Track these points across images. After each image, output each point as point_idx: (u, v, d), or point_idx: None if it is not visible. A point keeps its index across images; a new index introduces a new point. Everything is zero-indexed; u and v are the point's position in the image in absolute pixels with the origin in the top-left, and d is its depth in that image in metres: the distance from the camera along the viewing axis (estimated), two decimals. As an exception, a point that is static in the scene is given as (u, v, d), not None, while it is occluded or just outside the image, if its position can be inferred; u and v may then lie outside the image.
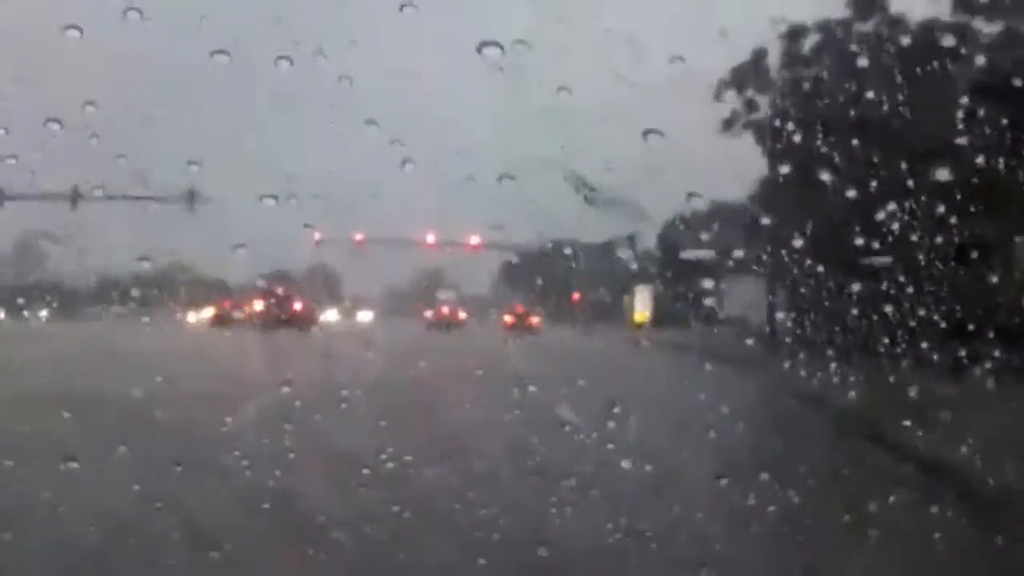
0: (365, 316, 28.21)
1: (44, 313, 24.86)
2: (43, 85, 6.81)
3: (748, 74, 18.42)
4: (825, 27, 16.01)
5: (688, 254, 14.10)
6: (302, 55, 7.65)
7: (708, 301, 19.26)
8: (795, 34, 16.16)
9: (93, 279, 20.42)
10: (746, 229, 13.87)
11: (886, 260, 9.08)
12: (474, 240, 27.45)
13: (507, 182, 7.67)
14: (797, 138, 12.50)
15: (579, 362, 15.22)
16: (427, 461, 8.08)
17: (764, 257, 12.31)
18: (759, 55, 17.94)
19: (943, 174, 8.31)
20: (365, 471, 7.82)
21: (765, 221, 12.58)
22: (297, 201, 8.56)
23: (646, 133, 6.78)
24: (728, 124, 18.61)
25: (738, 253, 11.02)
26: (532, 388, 10.72)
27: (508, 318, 27.37)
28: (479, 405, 11.40)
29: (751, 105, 18.94)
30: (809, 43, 16.46)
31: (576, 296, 27.17)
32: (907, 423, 9.12)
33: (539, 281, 26.18)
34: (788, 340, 12.23)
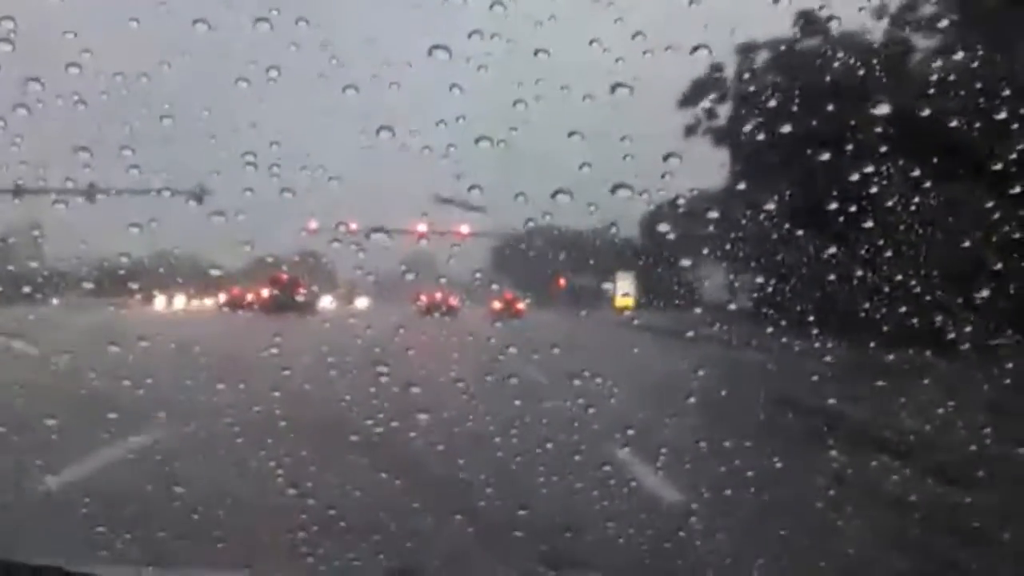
0: (360, 302, 28.14)
1: (55, 300, 24.70)
2: (23, 48, 6.53)
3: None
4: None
5: (665, 228, 13.97)
6: (282, 21, 7.42)
7: (689, 283, 19.04)
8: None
9: (86, 269, 20.03)
10: (721, 197, 13.80)
11: (863, 227, 8.89)
12: (463, 229, 27.23)
13: (484, 146, 7.47)
14: (772, 104, 12.35)
15: (559, 340, 15.57)
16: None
17: (744, 221, 12.11)
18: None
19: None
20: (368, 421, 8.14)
21: (741, 186, 12.42)
22: (279, 170, 8.31)
23: (614, 87, 6.59)
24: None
25: (713, 214, 10.83)
26: (512, 352, 10.92)
27: (496, 304, 27.38)
28: (468, 371, 11.83)
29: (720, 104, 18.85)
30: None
31: (562, 282, 27.05)
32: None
33: (526, 267, 26.20)
34: (766, 310, 12.02)
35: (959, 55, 11.33)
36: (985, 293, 8.55)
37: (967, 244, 9.48)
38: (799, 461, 7.73)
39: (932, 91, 9.51)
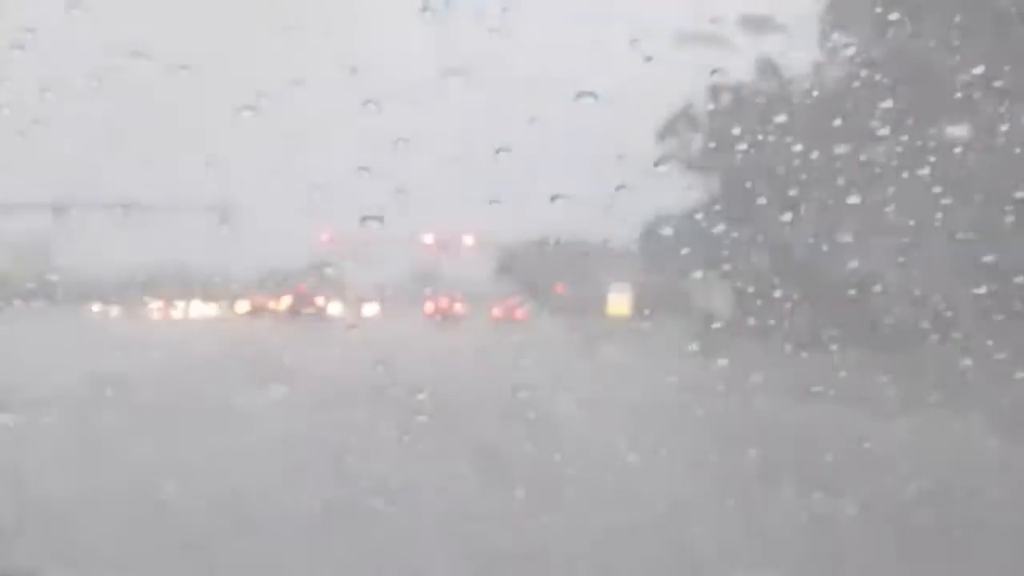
0: (370, 309, 27.87)
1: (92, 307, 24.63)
2: (52, 60, 6.11)
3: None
4: None
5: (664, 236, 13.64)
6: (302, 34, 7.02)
7: (685, 293, 18.63)
8: None
9: (113, 279, 19.80)
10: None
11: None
12: (468, 240, 26.96)
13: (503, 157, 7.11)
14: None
15: (557, 346, 16.10)
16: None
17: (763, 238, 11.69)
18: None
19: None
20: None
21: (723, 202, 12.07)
22: (297, 182, 7.95)
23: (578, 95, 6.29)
24: None
25: (706, 227, 10.57)
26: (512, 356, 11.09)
27: (496, 311, 27.28)
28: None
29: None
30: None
31: (560, 290, 26.80)
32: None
33: (527, 276, 25.97)
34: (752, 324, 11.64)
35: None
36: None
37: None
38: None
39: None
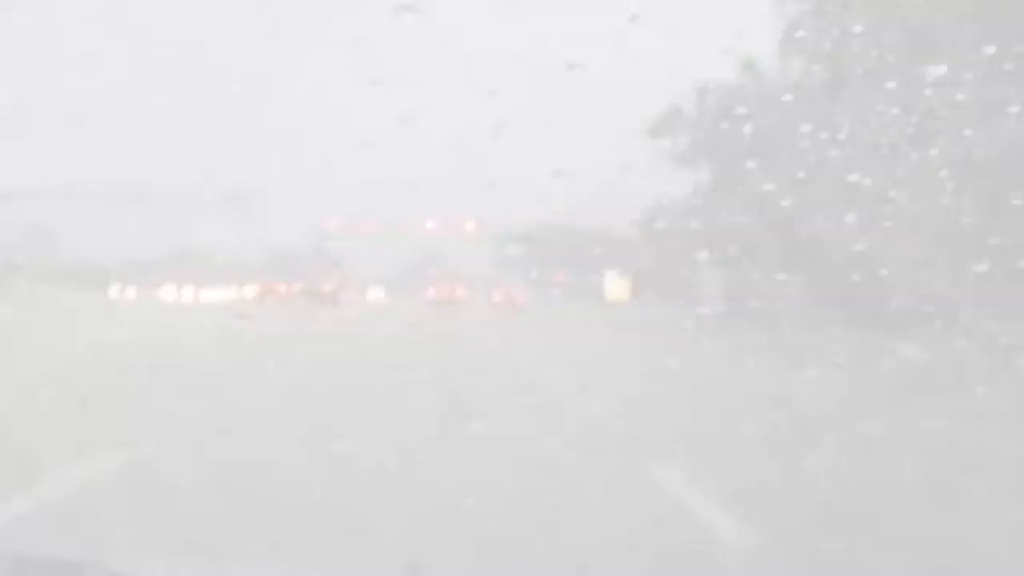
0: (375, 293, 27.99)
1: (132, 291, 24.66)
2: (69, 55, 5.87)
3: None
4: None
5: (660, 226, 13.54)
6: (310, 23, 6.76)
7: (687, 278, 18.52)
8: None
9: (122, 263, 19.68)
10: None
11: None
12: (469, 226, 26.86)
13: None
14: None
15: (549, 325, 15.92)
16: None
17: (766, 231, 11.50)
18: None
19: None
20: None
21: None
22: (304, 168, 7.72)
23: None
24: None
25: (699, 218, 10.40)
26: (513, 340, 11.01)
27: (496, 296, 27.37)
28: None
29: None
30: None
31: (560, 277, 26.82)
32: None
33: (527, 262, 26.15)
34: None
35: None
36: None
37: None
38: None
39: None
